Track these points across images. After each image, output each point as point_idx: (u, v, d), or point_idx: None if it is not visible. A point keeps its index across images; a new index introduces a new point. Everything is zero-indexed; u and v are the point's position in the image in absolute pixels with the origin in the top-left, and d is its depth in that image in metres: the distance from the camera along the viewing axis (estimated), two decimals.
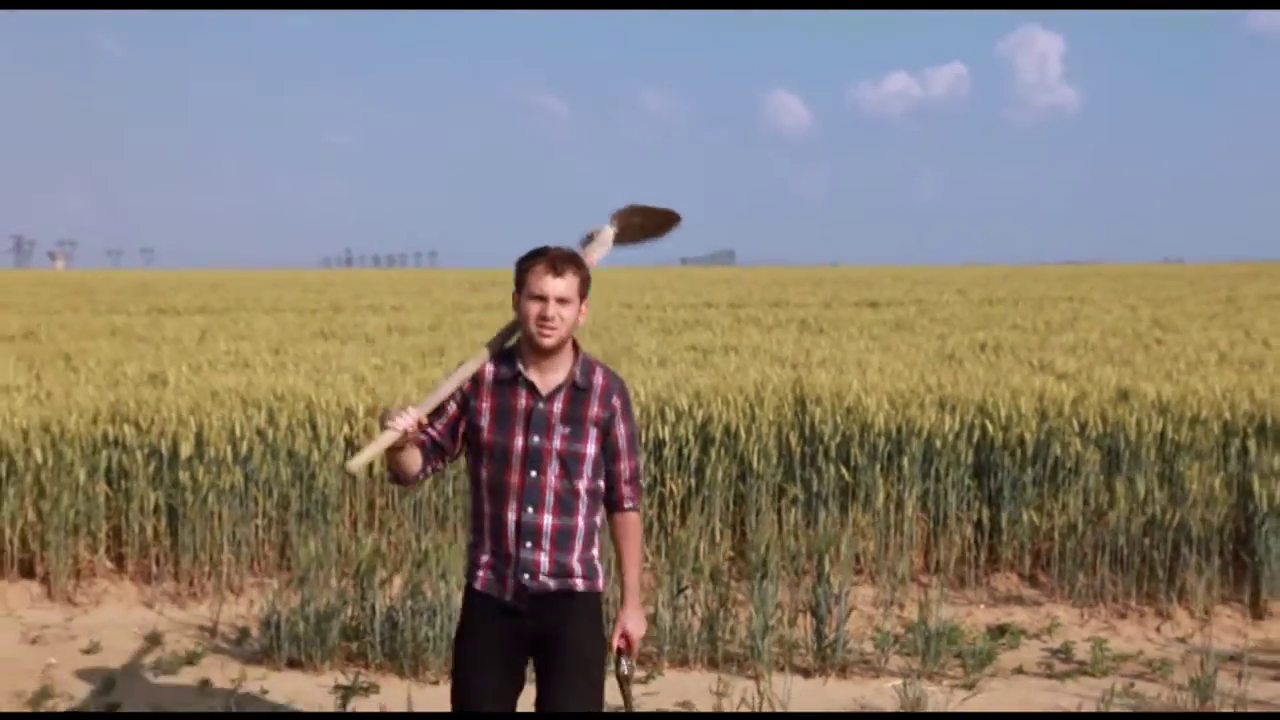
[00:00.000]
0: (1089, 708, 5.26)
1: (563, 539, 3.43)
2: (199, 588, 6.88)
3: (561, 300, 3.39)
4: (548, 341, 3.40)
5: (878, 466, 7.04)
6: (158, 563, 6.96)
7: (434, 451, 3.53)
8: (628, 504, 3.58)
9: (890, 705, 5.28)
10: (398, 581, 5.96)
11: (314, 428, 7.11)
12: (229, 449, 6.88)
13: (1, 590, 6.81)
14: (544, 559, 3.41)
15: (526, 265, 3.44)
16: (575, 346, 3.53)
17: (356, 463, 3.30)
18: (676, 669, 5.80)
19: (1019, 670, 5.82)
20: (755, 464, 7.03)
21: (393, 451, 3.36)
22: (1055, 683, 5.65)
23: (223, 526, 6.88)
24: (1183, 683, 5.38)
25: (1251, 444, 6.97)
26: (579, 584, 3.47)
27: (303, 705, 5.33)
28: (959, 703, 5.29)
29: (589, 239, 3.75)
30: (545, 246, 3.45)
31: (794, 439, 7.13)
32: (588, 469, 3.47)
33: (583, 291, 3.47)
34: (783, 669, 5.67)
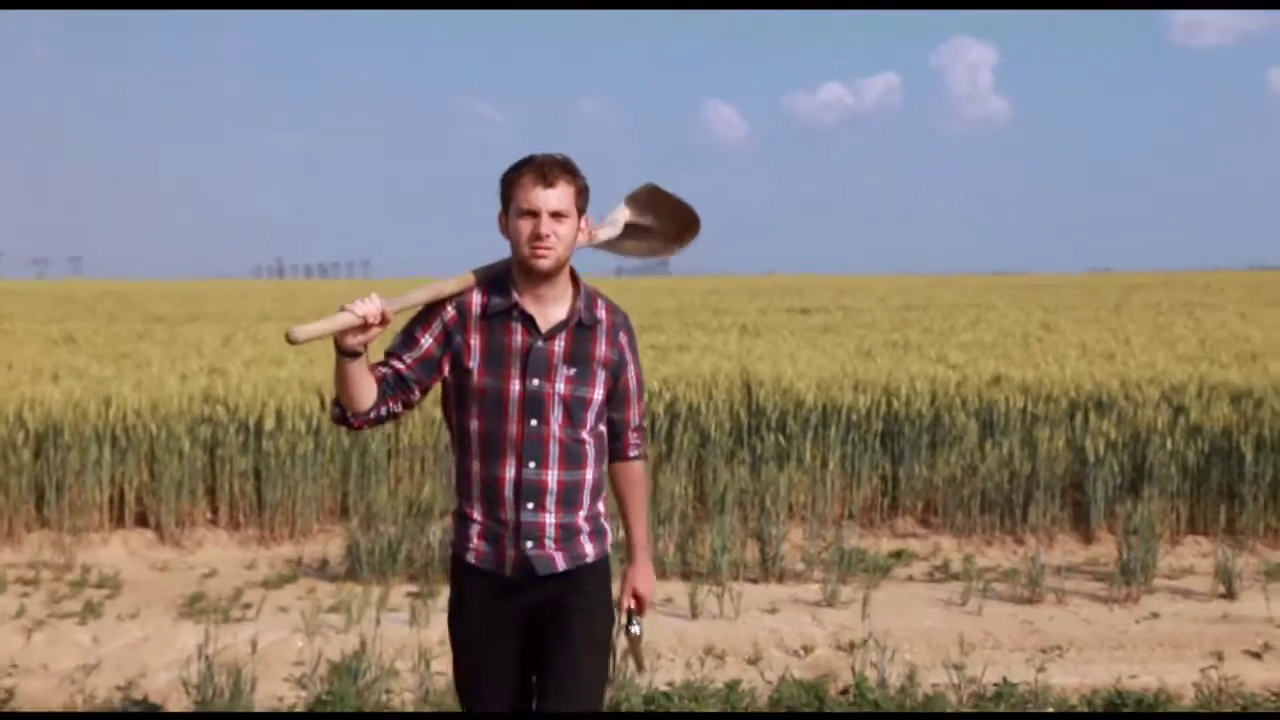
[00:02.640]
0: (957, 601, 7.31)
1: (570, 497, 3.07)
2: (279, 534, 8.78)
3: (556, 215, 2.99)
4: (543, 264, 2.98)
5: (807, 434, 9.12)
6: (245, 514, 8.86)
7: (396, 387, 3.06)
8: (633, 452, 3.27)
9: (814, 597, 7.31)
10: (446, 519, 7.92)
11: None
12: (302, 423, 8.81)
13: (124, 536, 8.67)
14: (549, 521, 3.05)
15: (512, 177, 3.02)
16: (575, 276, 3.12)
17: (301, 330, 2.87)
18: (658, 580, 7.81)
19: (909, 578, 7.90)
20: (712, 433, 9.09)
21: (345, 361, 2.93)
22: (935, 585, 7.72)
23: (297, 485, 8.80)
24: (1024, 581, 7.48)
25: (1090, 415, 9.13)
26: (588, 550, 3.13)
27: (386, 608, 7.23)
28: (861, 598, 7.33)
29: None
30: (532, 154, 3.04)
31: (742, 414, 9.22)
32: (592, 416, 3.10)
33: (581, 204, 3.06)
34: (736, 578, 7.67)
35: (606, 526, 3.21)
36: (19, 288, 44.15)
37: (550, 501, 3.04)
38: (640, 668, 3.44)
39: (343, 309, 2.86)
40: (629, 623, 3.25)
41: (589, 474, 3.11)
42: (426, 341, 3.06)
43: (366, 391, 2.98)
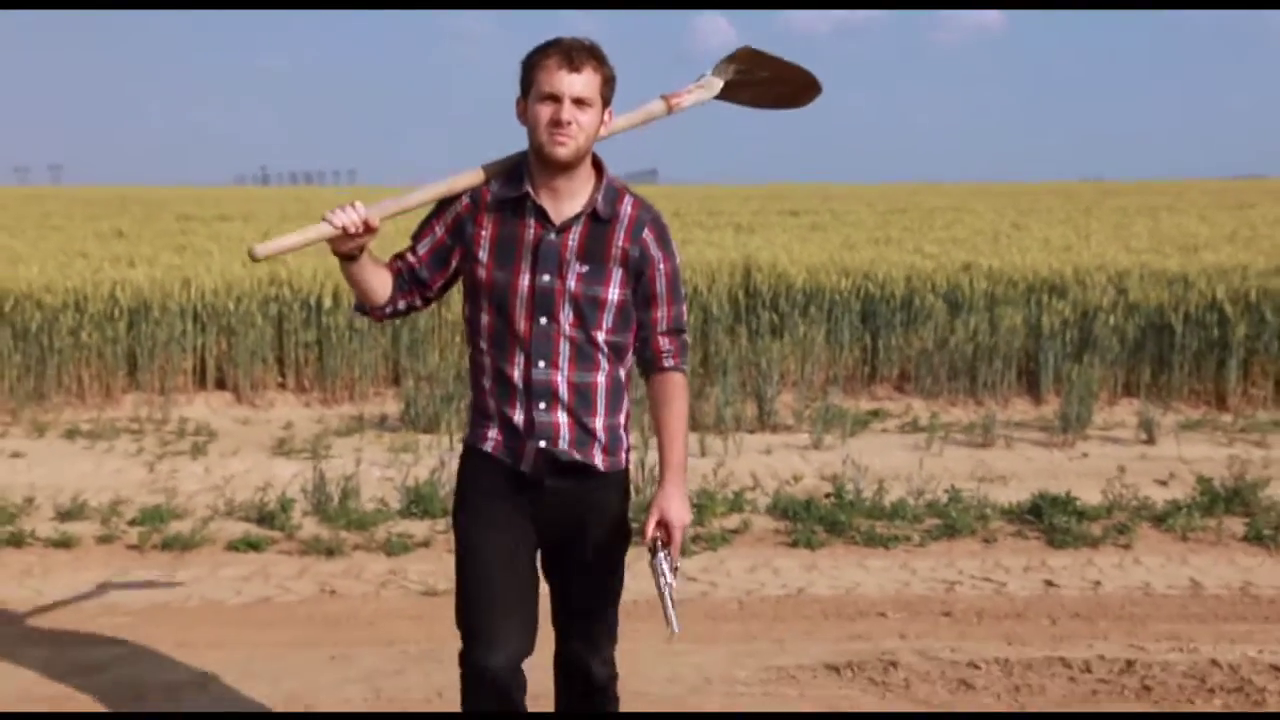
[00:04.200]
0: (922, 446, 8.68)
1: (582, 399, 2.91)
2: (339, 396, 10.13)
3: (579, 101, 2.80)
4: (561, 152, 2.81)
5: (796, 312, 10.47)
6: (309, 380, 10.21)
7: (410, 282, 2.98)
8: (667, 360, 2.98)
9: (803, 444, 8.70)
10: None
11: None
12: None
13: (206, 397, 10.02)
14: (563, 420, 2.90)
15: (535, 59, 2.84)
16: (598, 166, 2.94)
17: (264, 246, 2.78)
18: None
19: (884, 430, 9.29)
20: (714, 311, 10.43)
21: (347, 264, 2.86)
22: (905, 435, 9.10)
23: (355, 354, 10.13)
24: (979, 431, 8.87)
25: (1045, 297, 10.48)
26: (598, 459, 2.95)
27: (441, 447, 8.55)
28: (843, 443, 8.70)
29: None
30: (559, 37, 2.86)
31: (740, 295, 10.57)
32: (608, 317, 2.91)
33: (606, 94, 2.88)
34: (737, 430, 9.05)
35: (625, 438, 3.01)
36: (16, 193, 44.95)
37: (562, 402, 2.89)
38: (666, 618, 2.84)
39: (323, 218, 2.76)
40: (655, 558, 2.87)
41: (601, 378, 2.92)
42: (439, 231, 2.96)
43: (379, 287, 2.93)
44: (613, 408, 2.96)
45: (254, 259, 2.75)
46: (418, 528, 6.46)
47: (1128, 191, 35.94)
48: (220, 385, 10.19)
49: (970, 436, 8.90)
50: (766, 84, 3.30)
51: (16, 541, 6.17)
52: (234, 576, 5.79)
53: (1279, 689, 4.46)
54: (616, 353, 2.95)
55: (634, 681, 4.05)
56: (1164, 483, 7.53)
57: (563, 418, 2.90)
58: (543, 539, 3.01)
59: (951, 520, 6.41)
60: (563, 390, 2.89)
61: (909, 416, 9.71)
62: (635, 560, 3.16)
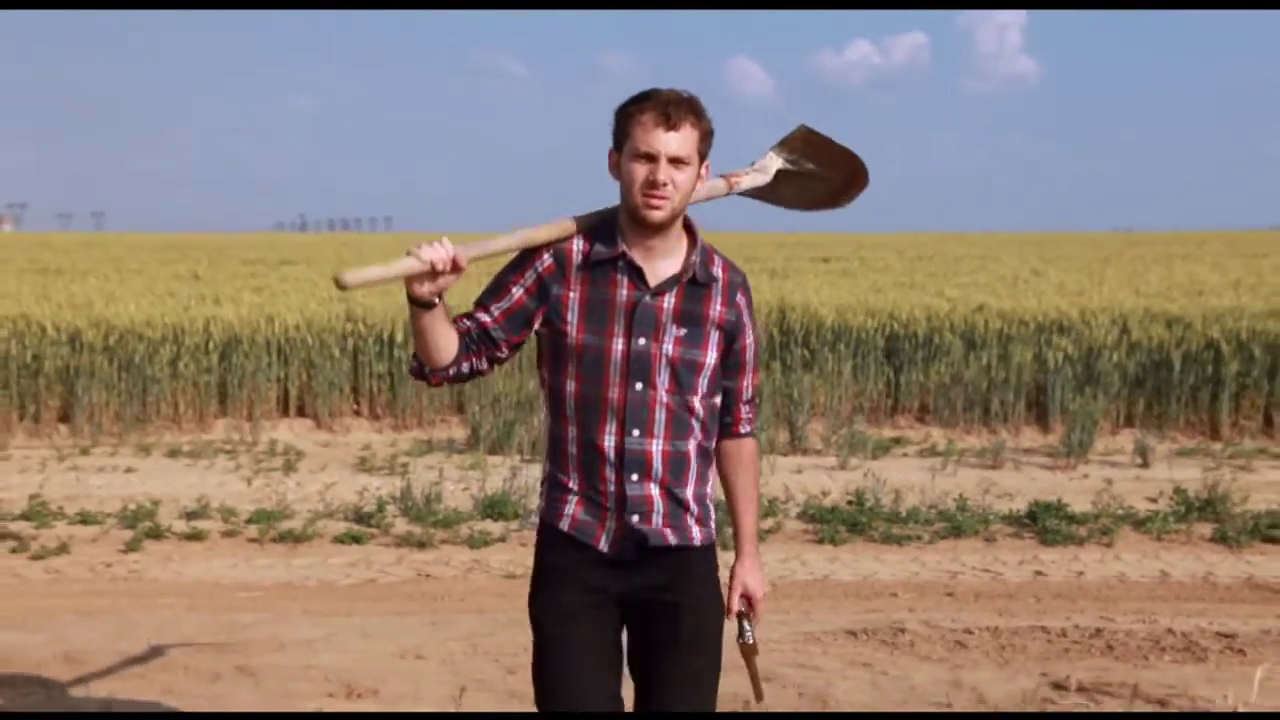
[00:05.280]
0: (938, 468, 9.62)
1: (676, 470, 2.77)
2: (409, 423, 11.18)
3: (676, 160, 2.66)
4: (657, 215, 2.67)
5: (826, 349, 11.47)
6: (382, 408, 11.27)
7: (480, 342, 2.76)
8: (744, 427, 2.91)
9: (830, 465, 9.66)
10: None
11: None
12: None
13: (289, 423, 11.10)
14: (656, 494, 2.75)
15: (631, 111, 2.68)
16: (690, 227, 2.81)
17: (353, 274, 2.56)
18: None
19: (904, 455, 10.25)
20: None
21: (418, 311, 2.63)
22: (923, 459, 10.05)
23: (423, 386, 11.17)
24: (990, 455, 9.81)
25: (1053, 335, 11.43)
26: (695, 532, 2.80)
27: (505, 469, 9.55)
28: (870, 462, 9.65)
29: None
30: (656, 88, 2.70)
31: (775, 333, 11.58)
32: (703, 382, 2.78)
33: (703, 149, 2.72)
34: (771, 453, 10.02)
35: (713, 509, 2.86)
36: (67, 240, 46.35)
37: (656, 473, 2.73)
38: (758, 695, 2.90)
39: (409, 253, 2.57)
40: (741, 632, 2.83)
41: (696, 446, 2.78)
42: (518, 292, 2.74)
43: (446, 345, 2.69)
44: (703, 476, 2.83)
45: (341, 288, 2.56)
46: (495, 527, 7.47)
47: (1151, 241, 36.86)
48: (301, 412, 11.26)
49: (981, 459, 9.84)
50: (811, 178, 3.15)
51: (155, 535, 7.22)
52: (341, 563, 6.81)
53: (1220, 649, 5.39)
54: (710, 419, 2.83)
55: None
56: (1153, 500, 8.43)
57: (656, 491, 2.74)
58: (627, 619, 2.83)
59: (958, 523, 7.37)
60: (657, 461, 2.73)
61: (928, 443, 10.66)
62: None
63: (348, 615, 5.90)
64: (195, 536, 7.23)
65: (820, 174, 3.15)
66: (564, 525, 2.77)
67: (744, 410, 2.90)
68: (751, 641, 2.84)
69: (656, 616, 2.80)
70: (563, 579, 2.78)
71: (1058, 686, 4.96)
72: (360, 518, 7.58)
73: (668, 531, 2.76)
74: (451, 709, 4.68)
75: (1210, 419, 10.90)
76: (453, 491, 8.39)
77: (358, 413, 11.33)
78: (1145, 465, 9.62)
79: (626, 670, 2.89)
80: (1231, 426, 10.80)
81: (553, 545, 2.81)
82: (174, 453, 9.98)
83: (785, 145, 3.13)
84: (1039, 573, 6.67)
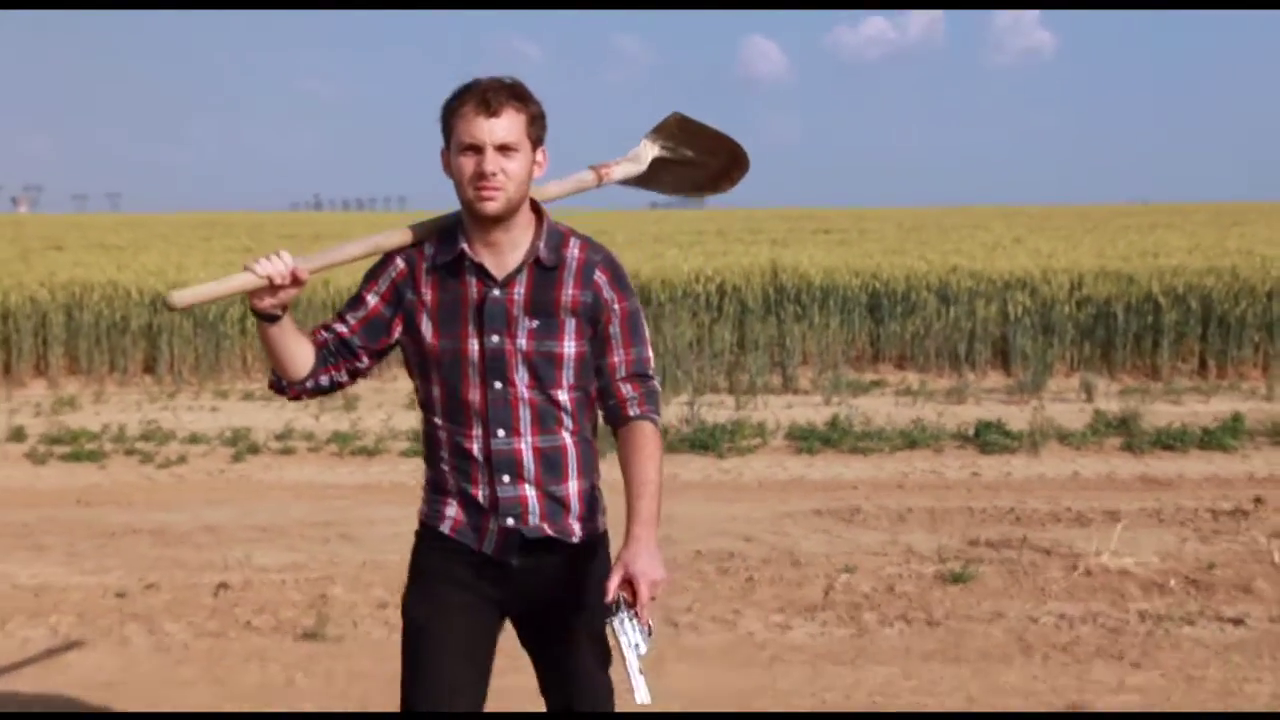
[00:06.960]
0: (906, 403, 11.13)
1: (551, 466, 2.65)
2: None
3: (504, 148, 2.50)
4: (491, 206, 2.52)
5: (815, 305, 13.02)
6: None
7: (339, 353, 2.67)
8: (632, 409, 2.66)
9: (818, 401, 11.20)
10: None
11: None
12: None
13: None
14: (531, 494, 2.64)
15: (451, 107, 2.54)
16: (538, 211, 2.65)
17: (181, 295, 2.49)
18: (710, 393, 11.75)
19: (882, 394, 11.79)
20: (750, 303, 12.99)
21: (263, 325, 2.54)
22: (898, 398, 11.57)
23: None
24: (955, 393, 11.34)
25: (1016, 292, 12.96)
26: (576, 528, 2.68)
27: None
28: (851, 400, 11.16)
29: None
30: (476, 78, 2.54)
31: (770, 291, 13.15)
32: (566, 374, 2.63)
33: (534, 134, 2.57)
34: (764, 392, 11.56)
35: (601, 502, 2.77)
36: (88, 220, 47.76)
37: (528, 472, 2.63)
38: (635, 691, 2.43)
39: (245, 268, 2.49)
40: (613, 619, 2.47)
41: (572, 439, 2.67)
42: (373, 300, 2.66)
43: (298, 357, 2.62)
44: (585, 469, 2.70)
45: (171, 309, 2.55)
46: None
47: (1146, 212, 38.32)
48: None
49: (948, 396, 11.38)
50: (690, 165, 3.09)
51: (254, 450, 8.84)
52: (410, 469, 8.39)
53: (1102, 519, 6.92)
54: (583, 410, 2.69)
55: (672, 528, 6.57)
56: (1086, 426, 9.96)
57: (530, 491, 2.64)
58: (515, 616, 2.77)
59: (914, 438, 8.91)
60: (527, 459, 2.62)
61: (903, 385, 12.20)
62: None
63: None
64: (287, 452, 8.83)
65: (699, 160, 3.10)
66: (445, 528, 2.70)
67: (625, 389, 2.67)
68: (627, 631, 2.45)
69: (543, 614, 2.74)
70: (439, 576, 2.71)
71: (972, 543, 6.51)
72: (417, 437, 9.15)
73: (545, 528, 2.65)
74: None
75: (1152, 363, 12.43)
76: None
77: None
78: (1090, 400, 11.14)
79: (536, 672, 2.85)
80: (1171, 369, 12.32)
81: (431, 547, 2.73)
82: (248, 396, 11.57)
83: (660, 132, 3.04)
84: (975, 474, 8.21)
